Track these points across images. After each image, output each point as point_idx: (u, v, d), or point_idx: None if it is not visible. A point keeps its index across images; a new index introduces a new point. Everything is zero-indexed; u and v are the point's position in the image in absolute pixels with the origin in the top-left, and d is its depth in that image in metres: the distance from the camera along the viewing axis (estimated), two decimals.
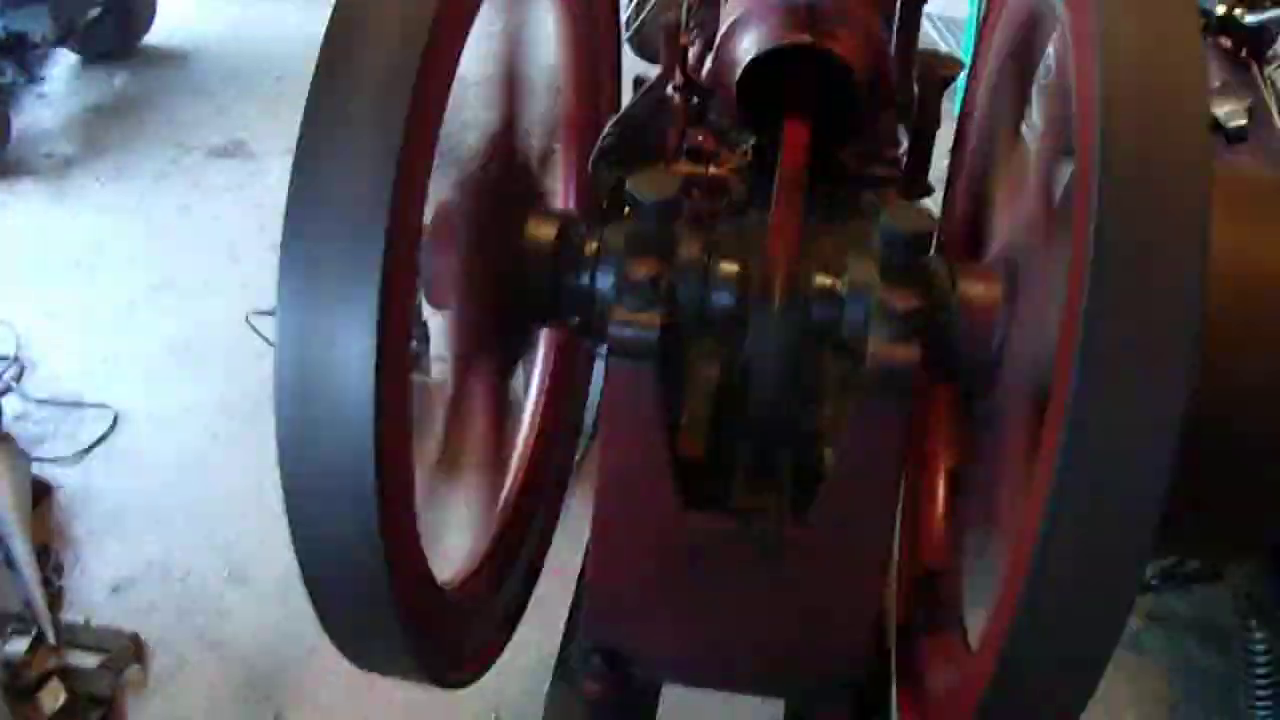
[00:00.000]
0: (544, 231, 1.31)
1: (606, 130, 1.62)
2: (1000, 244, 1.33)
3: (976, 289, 1.24)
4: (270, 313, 3.30)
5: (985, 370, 1.23)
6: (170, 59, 5.44)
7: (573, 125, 1.64)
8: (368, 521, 1.05)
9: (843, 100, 1.56)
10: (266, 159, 4.66)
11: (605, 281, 1.29)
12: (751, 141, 1.68)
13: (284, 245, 1.02)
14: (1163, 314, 0.91)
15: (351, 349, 1.00)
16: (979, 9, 4.87)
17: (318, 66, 1.06)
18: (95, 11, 5.06)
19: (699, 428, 1.39)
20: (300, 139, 1.03)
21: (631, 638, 1.47)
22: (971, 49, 1.61)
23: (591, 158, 1.63)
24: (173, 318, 3.79)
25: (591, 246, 1.31)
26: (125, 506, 3.12)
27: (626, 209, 1.35)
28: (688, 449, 1.37)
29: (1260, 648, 2.07)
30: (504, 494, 1.56)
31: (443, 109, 1.12)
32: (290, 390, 1.03)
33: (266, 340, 3.30)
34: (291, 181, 1.04)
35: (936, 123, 1.79)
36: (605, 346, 1.28)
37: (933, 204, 1.85)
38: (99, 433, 3.35)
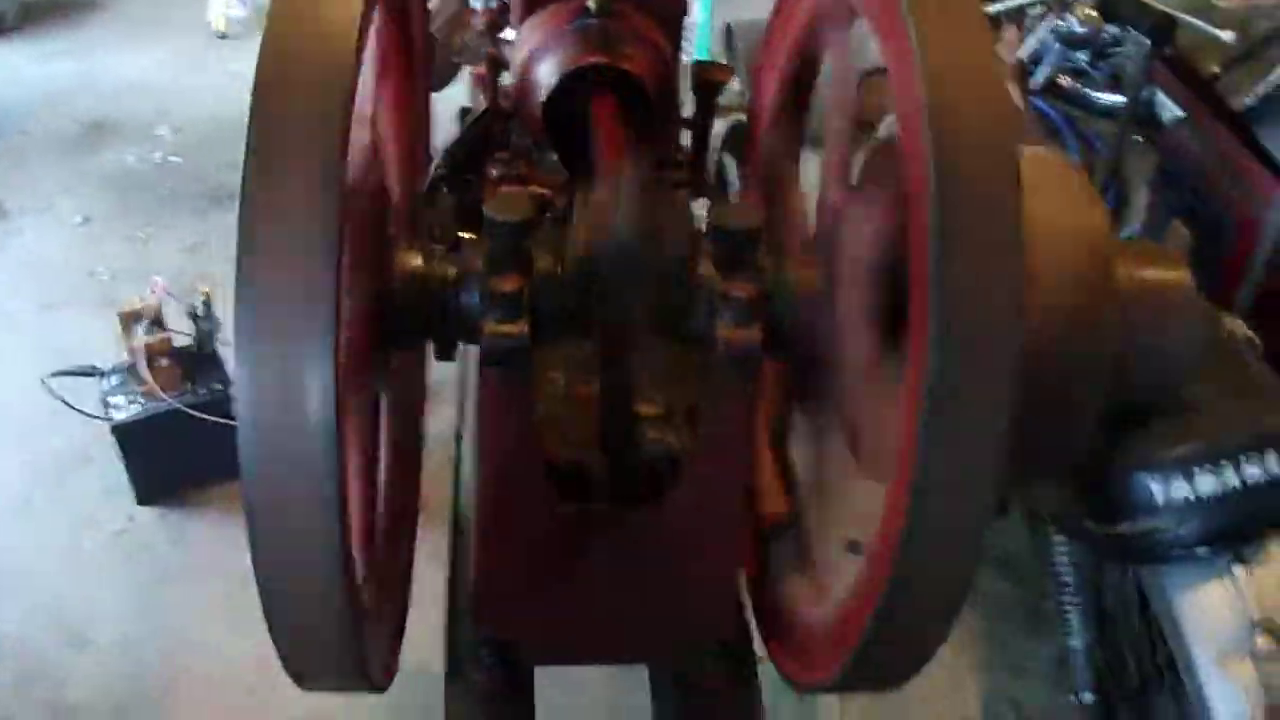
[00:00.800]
0: (411, 261, 1.40)
1: (438, 161, 1.73)
2: (810, 228, 1.49)
3: (800, 273, 1.39)
4: (66, 373, 3.31)
5: (813, 341, 1.38)
6: None
7: (397, 158, 1.74)
8: (330, 537, 1.14)
9: (637, 114, 1.71)
10: (21, 217, 4.58)
11: (470, 299, 1.39)
12: (555, 158, 1.81)
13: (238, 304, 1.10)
14: (993, 263, 1.08)
15: (311, 387, 1.09)
16: (709, 14, 5.15)
17: (250, 130, 1.13)
18: None
19: (556, 426, 1.52)
20: (241, 208, 1.11)
21: (518, 626, 1.59)
22: (760, 52, 1.77)
23: (425, 188, 1.73)
24: None
25: (451, 270, 1.41)
26: None
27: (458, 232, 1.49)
28: (550, 446, 1.50)
29: (1064, 558, 2.33)
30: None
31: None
32: (252, 428, 1.11)
33: (64, 401, 3.28)
34: (239, 244, 1.11)
35: (710, 128, 1.95)
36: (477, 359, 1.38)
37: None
38: None
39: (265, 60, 1.15)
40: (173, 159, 4.98)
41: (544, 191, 1.76)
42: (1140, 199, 2.88)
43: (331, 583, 1.14)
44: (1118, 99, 2.80)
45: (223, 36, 5.93)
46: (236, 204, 1.07)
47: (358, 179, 1.33)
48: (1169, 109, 3.00)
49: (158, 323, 3.10)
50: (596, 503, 1.51)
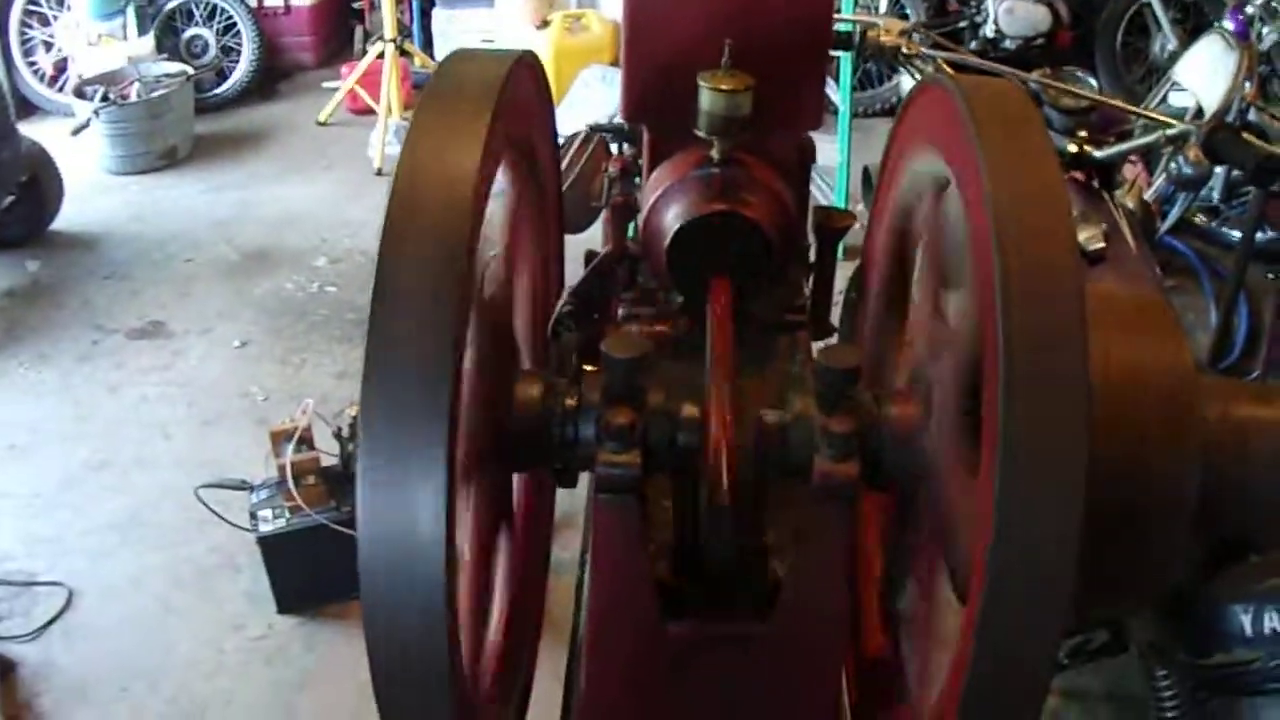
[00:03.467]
0: (532, 391, 1.52)
1: (564, 300, 1.87)
2: (908, 370, 1.58)
3: (899, 408, 1.48)
4: (218, 485, 3.52)
5: (912, 478, 1.46)
6: (80, 243, 5.63)
7: (529, 297, 1.87)
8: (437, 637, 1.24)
9: (756, 258, 1.82)
10: (185, 338, 4.86)
11: (587, 429, 1.50)
12: (679, 300, 1.93)
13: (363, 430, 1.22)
14: (1061, 408, 1.17)
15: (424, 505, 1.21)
16: (846, 158, 5.28)
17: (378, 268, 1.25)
18: (6, 201, 5.26)
19: (666, 553, 1.62)
20: (370, 335, 1.23)
21: None
22: (872, 206, 1.88)
23: (551, 325, 1.87)
24: (113, 494, 3.95)
25: (571, 401, 1.52)
26: (88, 678, 3.25)
27: (583, 366, 1.60)
28: (659, 569, 1.60)
29: (1165, 685, 2.32)
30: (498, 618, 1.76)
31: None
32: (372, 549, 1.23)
33: (214, 513, 3.49)
34: (365, 370, 1.24)
35: (833, 270, 2.05)
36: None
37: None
38: (54, 609, 3.48)
39: (394, 207, 1.25)
40: (329, 289, 5.23)
41: (662, 329, 1.88)
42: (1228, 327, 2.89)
43: (440, 696, 1.23)
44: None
45: (379, 173, 6.23)
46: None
47: (481, 315, 1.46)
48: None
49: (306, 442, 3.28)
50: (702, 625, 1.60)
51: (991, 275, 1.21)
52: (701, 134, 1.91)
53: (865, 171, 5.19)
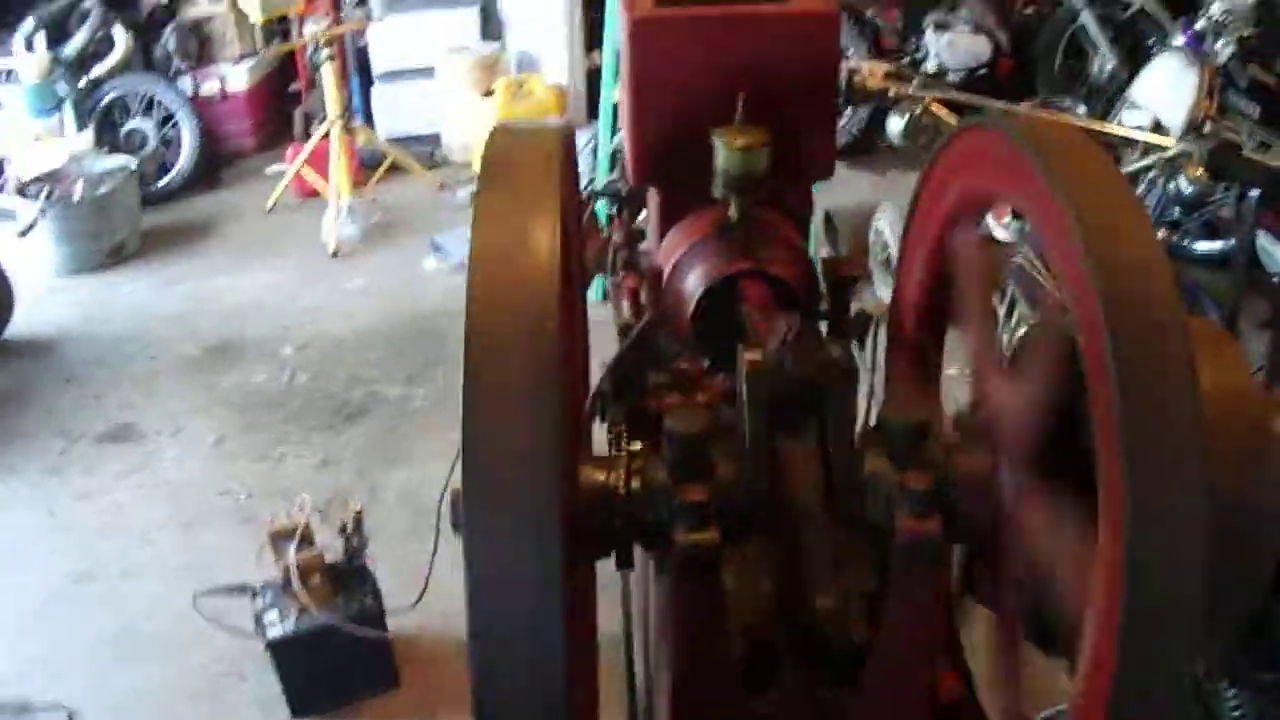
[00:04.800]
0: (596, 476, 1.46)
1: (603, 377, 1.81)
2: (968, 415, 1.54)
3: (971, 460, 1.44)
4: (219, 592, 3.40)
5: (987, 527, 1.42)
6: (37, 348, 5.50)
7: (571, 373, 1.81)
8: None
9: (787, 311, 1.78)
10: (156, 440, 4.74)
11: (659, 510, 1.44)
12: (706, 364, 1.88)
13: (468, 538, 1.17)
14: (1181, 461, 1.13)
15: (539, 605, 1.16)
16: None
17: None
18: None
19: (744, 622, 1.56)
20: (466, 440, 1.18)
21: None
22: (900, 247, 1.84)
23: (590, 402, 1.81)
24: (102, 607, 3.82)
25: (635, 483, 1.47)
26: None
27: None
28: (738, 641, 1.54)
29: (1235, 704, 2.29)
30: None
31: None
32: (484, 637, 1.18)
33: (217, 622, 3.36)
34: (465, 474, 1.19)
35: (847, 317, 2.02)
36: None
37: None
38: None
39: (479, 294, 1.22)
40: (298, 377, 5.13)
41: (710, 400, 1.83)
42: (1253, 344, 2.90)
43: None
44: (1214, 246, 2.83)
45: (335, 255, 6.14)
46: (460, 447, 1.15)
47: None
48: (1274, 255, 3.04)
49: (307, 539, 3.19)
50: (784, 693, 1.54)
51: (1095, 324, 1.17)
52: (718, 194, 1.87)
53: (827, 216, 5.20)
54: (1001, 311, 2.90)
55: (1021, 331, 2.83)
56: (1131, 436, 1.11)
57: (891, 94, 2.63)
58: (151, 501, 4.35)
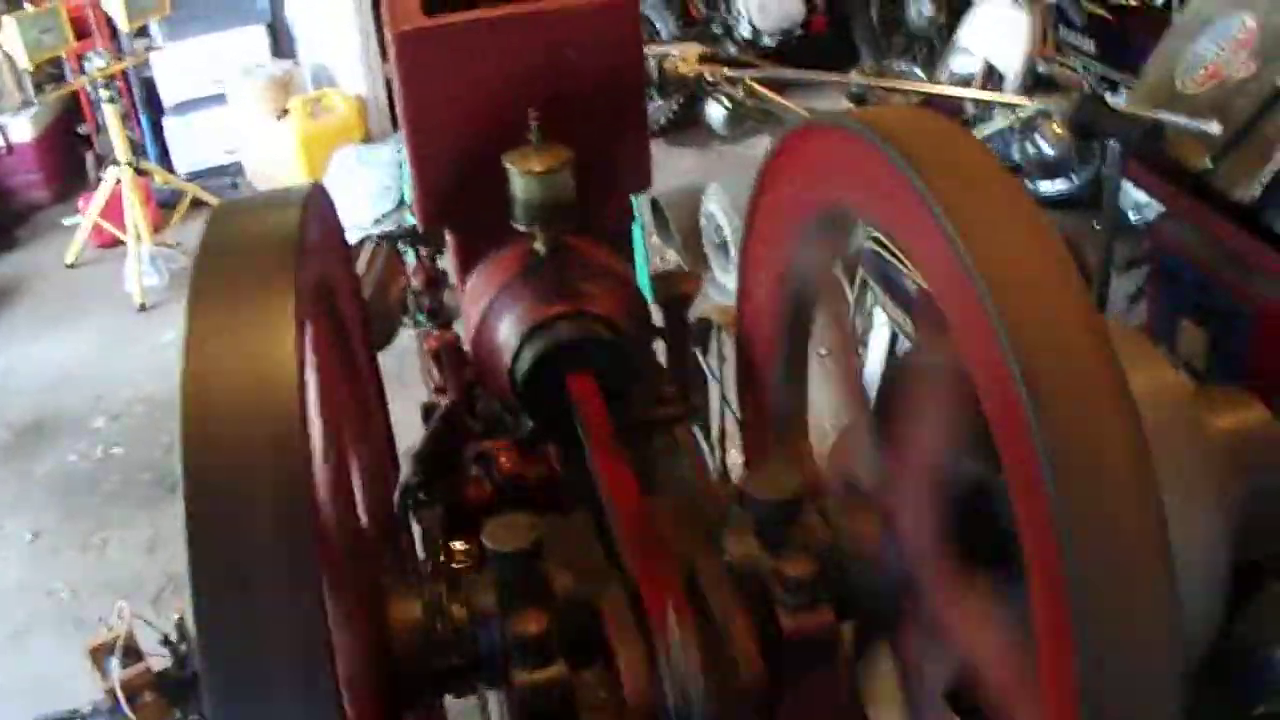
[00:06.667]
0: (409, 610, 1.22)
1: (410, 469, 1.53)
2: (841, 472, 1.33)
3: (859, 528, 1.23)
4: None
5: (887, 595, 1.20)
6: None
7: (362, 473, 1.52)
8: None
9: (615, 357, 1.54)
10: None
11: (490, 643, 1.20)
12: (529, 425, 1.64)
13: None
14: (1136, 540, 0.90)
15: None
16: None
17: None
18: None
19: None
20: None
21: None
22: (740, 267, 1.59)
23: (398, 499, 1.53)
24: None
25: (459, 612, 1.22)
26: None
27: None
28: None
29: None
30: None
31: None
32: None
33: None
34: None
35: (687, 341, 1.79)
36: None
37: None
38: None
39: (194, 422, 1.03)
40: (114, 451, 4.75)
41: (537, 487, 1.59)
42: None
43: None
44: (1057, 186, 2.64)
45: (143, 308, 5.74)
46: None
47: (327, 535, 1.14)
48: (1138, 203, 2.87)
49: (133, 652, 2.84)
50: None
51: (1012, 398, 0.91)
52: (521, 226, 1.60)
53: (654, 202, 4.94)
54: (852, 298, 2.67)
55: (884, 334, 2.60)
56: (1076, 542, 0.87)
57: (709, 77, 2.37)
58: None
